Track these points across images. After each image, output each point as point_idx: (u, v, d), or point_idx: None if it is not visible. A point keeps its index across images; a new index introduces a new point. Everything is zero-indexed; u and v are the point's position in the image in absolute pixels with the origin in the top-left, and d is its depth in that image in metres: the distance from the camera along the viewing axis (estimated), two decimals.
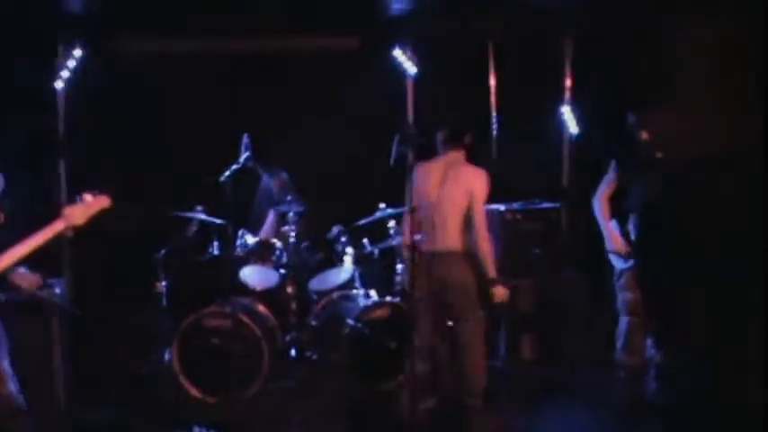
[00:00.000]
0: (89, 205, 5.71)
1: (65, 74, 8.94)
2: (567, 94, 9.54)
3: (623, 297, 7.19)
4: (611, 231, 7.22)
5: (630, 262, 7.10)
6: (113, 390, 8.04)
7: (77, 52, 8.91)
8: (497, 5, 8.67)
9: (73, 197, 5.74)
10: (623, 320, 7.21)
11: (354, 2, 8.58)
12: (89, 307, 8.21)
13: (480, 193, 7.06)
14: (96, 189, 5.74)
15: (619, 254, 7.18)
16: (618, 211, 7.33)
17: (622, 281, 7.21)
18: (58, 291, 7.54)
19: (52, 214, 5.69)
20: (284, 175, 8.61)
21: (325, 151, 9.06)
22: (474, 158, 9.22)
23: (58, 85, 8.99)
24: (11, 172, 6.27)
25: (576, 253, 8.39)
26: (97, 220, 5.76)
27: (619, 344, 7.25)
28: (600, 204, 7.32)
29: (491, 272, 6.95)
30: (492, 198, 8.95)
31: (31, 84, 8.80)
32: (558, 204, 8.91)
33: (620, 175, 7.27)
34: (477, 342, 7.08)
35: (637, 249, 7.04)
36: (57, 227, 5.65)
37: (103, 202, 5.76)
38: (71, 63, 8.93)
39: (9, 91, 8.58)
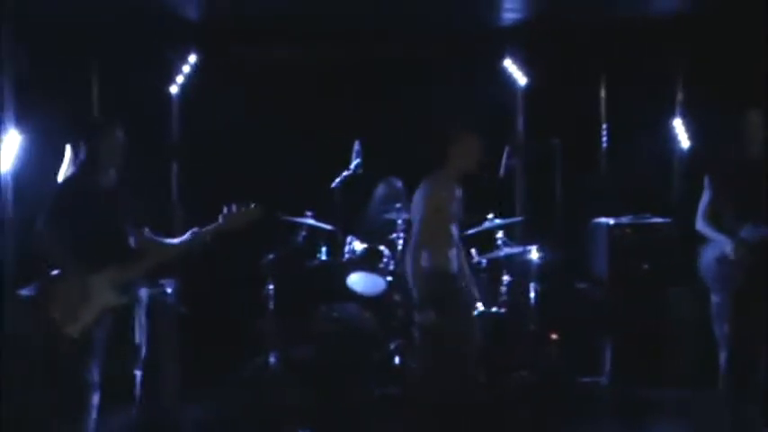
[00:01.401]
0: (244, 214, 6.04)
1: (180, 79, 9.14)
2: (679, 107, 9.44)
3: (722, 329, 6.90)
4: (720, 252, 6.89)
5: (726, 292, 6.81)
6: (219, 390, 8.14)
7: (192, 58, 9.09)
8: (609, 15, 8.61)
9: (187, 200, 5.95)
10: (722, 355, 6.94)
11: (467, 10, 8.59)
12: (198, 308, 8.39)
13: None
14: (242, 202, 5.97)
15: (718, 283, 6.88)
16: None
17: (717, 311, 6.92)
18: (168, 290, 7.71)
19: (165, 215, 5.89)
20: (396, 183, 8.61)
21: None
22: (584, 171, 9.24)
23: (173, 90, 9.18)
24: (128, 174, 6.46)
25: (686, 269, 8.24)
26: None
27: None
28: (705, 225, 7.03)
29: None
30: (600, 211, 8.95)
31: (147, 88, 8.99)
32: (668, 219, 8.76)
33: (722, 194, 6.95)
34: None
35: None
36: (215, 229, 6.09)
37: (256, 212, 6.09)
38: (186, 68, 9.11)
39: (127, 94, 8.77)
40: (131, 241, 6.03)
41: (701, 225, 6.94)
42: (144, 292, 6.11)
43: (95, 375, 5.81)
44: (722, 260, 6.68)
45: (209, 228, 6.10)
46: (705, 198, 6.96)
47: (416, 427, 7.03)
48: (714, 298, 6.83)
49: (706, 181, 6.98)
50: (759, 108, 6.80)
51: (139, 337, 6.05)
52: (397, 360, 8.11)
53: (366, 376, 7.91)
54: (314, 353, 8.11)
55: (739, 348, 6.72)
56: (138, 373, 6.12)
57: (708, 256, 6.83)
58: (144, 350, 6.08)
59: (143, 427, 6.56)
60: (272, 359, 8.24)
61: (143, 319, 6.07)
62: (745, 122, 6.76)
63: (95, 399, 5.83)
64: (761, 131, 6.73)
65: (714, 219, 6.85)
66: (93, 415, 5.84)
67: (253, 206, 6.14)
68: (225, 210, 6.08)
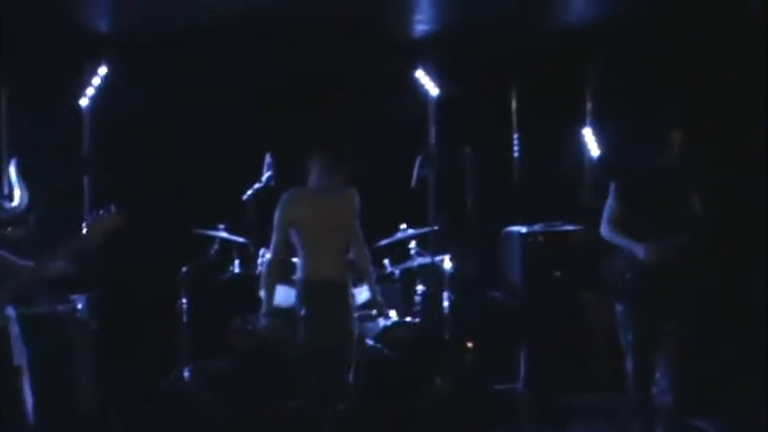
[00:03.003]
0: (106, 221, 5.72)
1: (90, 92, 9.04)
2: (588, 117, 9.58)
3: (626, 337, 6.92)
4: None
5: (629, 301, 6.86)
6: (134, 405, 8.05)
7: (102, 70, 9.00)
8: (520, 26, 8.71)
9: (96, 213, 5.75)
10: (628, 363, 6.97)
11: (378, 22, 8.63)
12: (110, 323, 8.30)
13: None
14: (115, 206, 5.75)
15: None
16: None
17: (621, 319, 6.94)
18: (79, 306, 7.62)
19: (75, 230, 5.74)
20: None
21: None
22: (495, 180, 9.33)
23: (83, 102, 9.08)
24: (38, 188, 6.36)
25: (597, 276, 8.36)
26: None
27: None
28: (612, 231, 7.00)
29: None
30: (513, 220, 9.06)
31: (57, 101, 8.89)
32: (579, 227, 8.87)
33: (635, 204, 6.93)
34: None
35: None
36: (80, 242, 5.71)
37: (116, 220, 5.74)
38: (96, 81, 9.02)
39: (36, 108, 8.66)
40: None
41: (606, 231, 6.87)
42: (12, 312, 5.77)
43: None
44: (626, 269, 6.71)
45: (74, 242, 5.67)
46: (610, 204, 6.89)
47: None
48: (618, 307, 6.85)
49: (612, 187, 6.95)
50: (680, 125, 6.83)
51: (19, 359, 5.73)
52: None
53: (282, 388, 7.88)
54: (229, 366, 8.05)
55: (642, 357, 6.76)
56: (28, 397, 5.80)
57: (612, 265, 6.86)
58: (26, 372, 5.76)
59: None
60: (186, 373, 8.16)
61: (18, 339, 5.73)
62: (669, 137, 6.78)
63: None
64: (679, 147, 6.78)
65: (623, 227, 6.82)
66: None
67: (113, 212, 5.67)
68: (88, 219, 5.71)
